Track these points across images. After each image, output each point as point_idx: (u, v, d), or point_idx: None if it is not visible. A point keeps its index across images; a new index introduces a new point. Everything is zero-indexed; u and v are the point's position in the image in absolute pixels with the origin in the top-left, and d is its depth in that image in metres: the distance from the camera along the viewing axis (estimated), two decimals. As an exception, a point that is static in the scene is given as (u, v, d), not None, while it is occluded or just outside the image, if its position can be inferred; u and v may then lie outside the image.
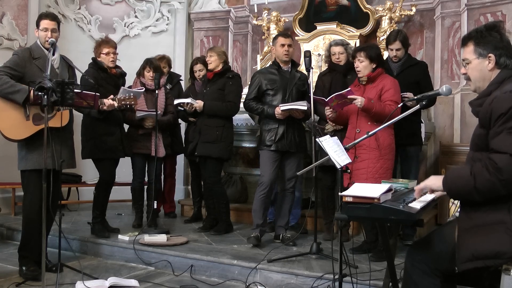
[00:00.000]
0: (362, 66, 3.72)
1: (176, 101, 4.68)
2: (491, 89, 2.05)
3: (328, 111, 3.85)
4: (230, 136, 4.62)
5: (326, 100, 3.71)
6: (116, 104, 3.94)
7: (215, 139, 4.47)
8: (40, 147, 3.42)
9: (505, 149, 1.86)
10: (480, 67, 2.10)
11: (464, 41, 2.16)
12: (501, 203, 1.91)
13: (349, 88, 3.65)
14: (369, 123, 3.63)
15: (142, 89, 4.58)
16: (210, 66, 4.65)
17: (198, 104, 4.50)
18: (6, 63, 3.52)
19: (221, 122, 4.52)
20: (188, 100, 4.52)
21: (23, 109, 3.46)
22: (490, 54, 2.08)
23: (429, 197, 2.19)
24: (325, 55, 4.56)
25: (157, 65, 4.88)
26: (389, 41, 4.23)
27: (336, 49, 4.29)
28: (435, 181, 2.08)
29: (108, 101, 3.89)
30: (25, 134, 3.47)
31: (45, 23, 3.58)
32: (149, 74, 4.78)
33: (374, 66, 3.73)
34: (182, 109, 4.71)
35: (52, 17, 3.64)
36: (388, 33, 5.05)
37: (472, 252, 1.92)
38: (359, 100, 3.54)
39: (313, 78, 4.10)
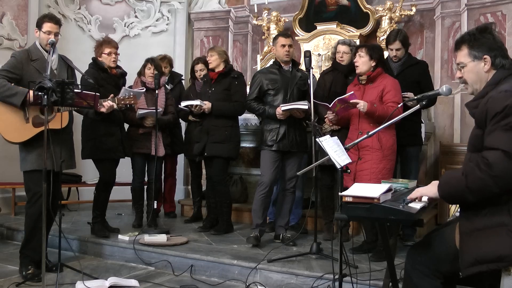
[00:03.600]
0: (362, 61, 3.72)
1: (183, 103, 4.64)
2: (487, 90, 2.04)
3: (330, 115, 3.85)
4: (238, 135, 4.66)
5: (330, 106, 3.71)
6: (115, 106, 3.94)
7: (224, 139, 4.49)
8: (39, 148, 3.42)
9: (497, 145, 1.85)
10: (476, 70, 2.09)
11: (457, 45, 2.15)
12: (501, 204, 1.90)
13: (352, 92, 3.64)
14: (371, 124, 3.63)
15: (143, 89, 4.58)
16: (211, 66, 4.66)
17: (207, 105, 4.50)
18: (3, 66, 3.54)
19: (229, 122, 4.54)
20: (197, 102, 4.50)
21: (22, 111, 3.47)
22: (485, 56, 2.07)
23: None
24: (332, 52, 4.57)
25: (158, 63, 4.89)
26: (389, 41, 4.23)
27: (342, 48, 4.29)
28: (431, 188, 2.07)
29: (107, 104, 3.88)
30: (25, 136, 3.48)
31: (48, 26, 3.58)
32: (149, 72, 4.77)
33: (373, 64, 3.72)
34: (188, 110, 4.68)
35: (56, 20, 3.65)
36: (388, 33, 5.05)
37: (475, 257, 1.90)
38: (361, 105, 3.55)
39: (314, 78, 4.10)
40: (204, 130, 4.61)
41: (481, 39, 2.08)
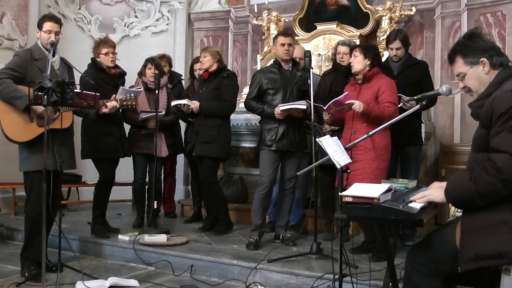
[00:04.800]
0: (356, 61, 3.73)
1: (173, 102, 4.67)
2: (491, 90, 2.03)
3: (325, 116, 3.85)
4: (228, 136, 4.62)
5: (325, 108, 3.71)
6: (118, 105, 3.94)
7: (212, 139, 4.48)
8: (42, 148, 3.42)
9: (505, 148, 1.85)
10: (476, 75, 2.09)
11: (451, 58, 2.15)
12: (504, 203, 1.90)
13: (346, 93, 3.64)
14: (364, 124, 3.63)
15: (141, 87, 4.57)
16: (203, 66, 4.65)
17: (194, 105, 4.50)
18: (8, 65, 3.53)
19: (218, 122, 4.52)
20: (184, 101, 4.52)
21: (27, 111, 3.46)
22: (482, 59, 2.06)
23: None
24: (332, 52, 4.58)
25: (158, 63, 4.88)
26: (389, 40, 4.23)
27: (342, 49, 4.30)
28: (438, 193, 2.07)
29: (110, 104, 3.88)
30: (30, 136, 3.48)
31: (49, 25, 3.59)
32: (150, 71, 4.77)
33: (368, 62, 3.72)
34: (180, 109, 4.71)
35: (56, 20, 3.66)
36: (388, 33, 5.05)
37: (476, 253, 1.91)
38: (357, 105, 3.54)
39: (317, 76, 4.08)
40: (194, 130, 4.63)
41: (472, 45, 2.09)
